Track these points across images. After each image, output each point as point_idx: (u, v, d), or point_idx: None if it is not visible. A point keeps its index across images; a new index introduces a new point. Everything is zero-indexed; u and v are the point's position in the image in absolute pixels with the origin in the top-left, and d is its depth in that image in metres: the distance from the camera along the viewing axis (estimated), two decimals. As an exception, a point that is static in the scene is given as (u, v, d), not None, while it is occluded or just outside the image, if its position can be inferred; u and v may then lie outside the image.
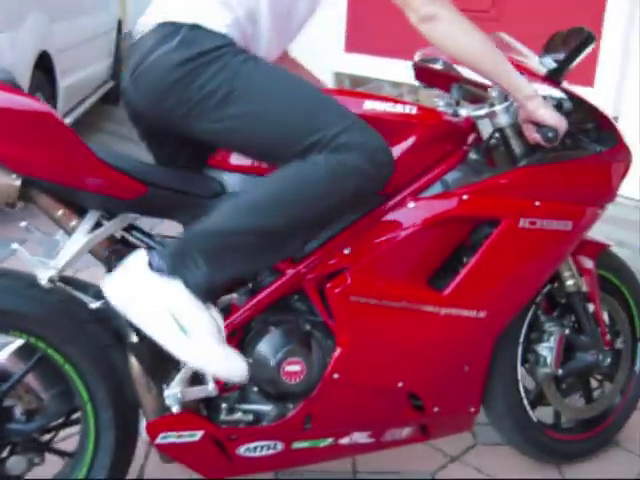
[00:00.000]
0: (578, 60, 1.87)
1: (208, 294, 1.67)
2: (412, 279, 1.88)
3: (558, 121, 1.82)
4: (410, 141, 1.84)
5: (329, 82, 5.91)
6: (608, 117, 2.03)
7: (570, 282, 2.15)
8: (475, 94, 2.08)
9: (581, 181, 1.99)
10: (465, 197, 1.86)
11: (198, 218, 1.76)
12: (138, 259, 1.67)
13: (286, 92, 1.71)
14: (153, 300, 1.62)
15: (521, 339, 2.14)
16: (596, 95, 4.63)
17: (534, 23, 4.73)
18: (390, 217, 1.86)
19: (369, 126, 1.72)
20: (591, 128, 2.05)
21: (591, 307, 2.22)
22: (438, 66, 2.10)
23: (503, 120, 1.95)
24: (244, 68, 1.68)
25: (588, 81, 4.63)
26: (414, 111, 1.84)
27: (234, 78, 1.67)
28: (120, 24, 6.53)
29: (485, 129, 2.06)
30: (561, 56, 1.87)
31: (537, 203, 1.92)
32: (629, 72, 4.59)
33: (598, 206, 2.04)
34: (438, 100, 2.08)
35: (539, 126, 1.84)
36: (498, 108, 1.94)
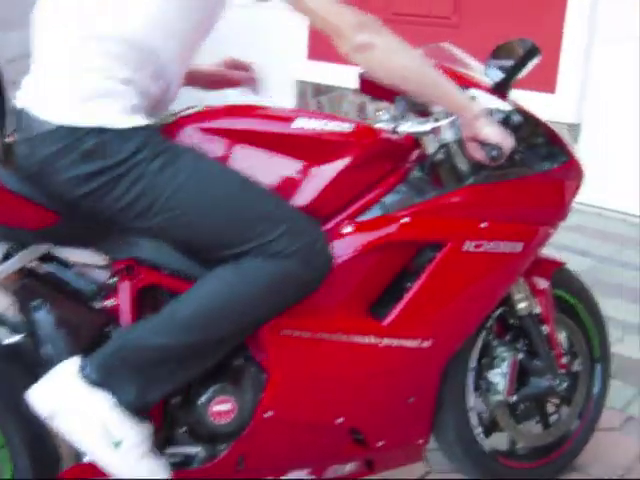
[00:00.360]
0: (524, 72, 1.75)
1: (139, 409, 1.59)
2: (350, 308, 1.74)
3: (503, 138, 1.70)
4: (345, 161, 1.71)
5: (292, 90, 5.78)
6: (557, 133, 1.91)
7: (522, 305, 2.03)
8: (421, 107, 1.95)
9: (531, 200, 1.87)
10: (405, 220, 1.73)
11: (121, 247, 1.62)
12: (69, 366, 1.58)
13: (214, 200, 1.57)
14: (83, 413, 1.56)
15: (472, 365, 2.01)
16: (557, 102, 4.55)
17: (495, 30, 4.62)
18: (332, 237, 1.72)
19: (306, 223, 1.63)
20: (541, 143, 1.92)
21: (546, 329, 2.09)
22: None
23: (448, 136, 1.82)
24: (162, 178, 1.53)
25: (549, 87, 4.54)
26: (348, 129, 1.71)
27: (152, 190, 1.52)
28: None
29: (431, 145, 1.94)
30: (506, 68, 1.75)
31: (483, 224, 1.79)
32: (591, 78, 4.50)
33: (550, 225, 1.92)
34: (382, 114, 1.95)
35: (483, 144, 1.71)
36: (442, 123, 1.81)
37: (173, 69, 1.61)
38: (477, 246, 1.79)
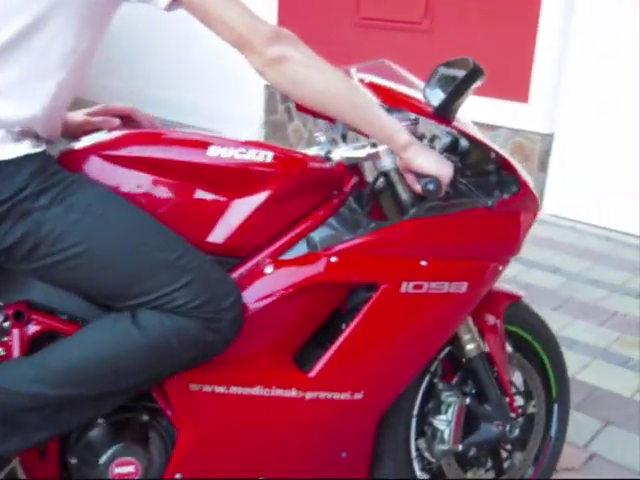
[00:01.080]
0: (467, 94, 1.54)
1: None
2: (271, 358, 1.54)
3: (440, 169, 1.50)
4: (266, 193, 1.51)
5: (260, 96, 5.56)
6: (509, 160, 1.71)
7: (470, 346, 1.83)
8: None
9: (477, 234, 1.67)
10: (334, 259, 1.53)
11: (13, 289, 1.42)
12: None
13: (109, 242, 1.37)
14: None
15: (415, 412, 1.81)
16: (530, 111, 4.36)
17: (468, 36, 4.43)
18: (244, 285, 1.52)
19: (215, 274, 1.43)
20: (490, 172, 1.73)
21: (496, 370, 1.90)
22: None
23: (387, 163, 1.63)
24: (51, 216, 1.33)
25: (522, 97, 4.35)
26: (270, 158, 1.51)
27: (39, 229, 1.32)
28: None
29: (370, 172, 1.75)
30: (447, 90, 1.54)
31: (423, 263, 1.60)
32: (564, 87, 4.32)
33: (499, 261, 1.72)
34: (319, 135, 1.75)
35: (420, 176, 1.51)
36: (380, 149, 1.61)
37: (64, 94, 1.40)
38: (416, 287, 1.59)
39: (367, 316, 1.57)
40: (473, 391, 1.91)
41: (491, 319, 1.88)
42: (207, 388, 1.47)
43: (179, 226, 1.48)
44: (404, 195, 1.64)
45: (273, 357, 1.55)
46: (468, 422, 1.87)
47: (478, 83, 1.53)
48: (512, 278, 3.68)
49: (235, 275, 1.52)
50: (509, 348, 2.02)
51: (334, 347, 1.56)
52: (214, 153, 1.48)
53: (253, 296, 1.51)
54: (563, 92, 4.33)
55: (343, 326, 1.61)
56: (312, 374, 1.55)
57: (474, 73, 1.50)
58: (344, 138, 1.80)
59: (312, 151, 1.68)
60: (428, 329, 1.65)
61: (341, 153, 1.64)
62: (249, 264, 1.53)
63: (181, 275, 1.37)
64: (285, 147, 1.60)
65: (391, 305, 1.58)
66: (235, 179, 1.49)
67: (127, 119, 1.67)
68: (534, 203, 1.76)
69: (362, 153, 1.65)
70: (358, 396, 1.58)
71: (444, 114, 1.58)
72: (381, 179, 1.69)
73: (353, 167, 1.72)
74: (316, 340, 1.61)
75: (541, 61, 4.28)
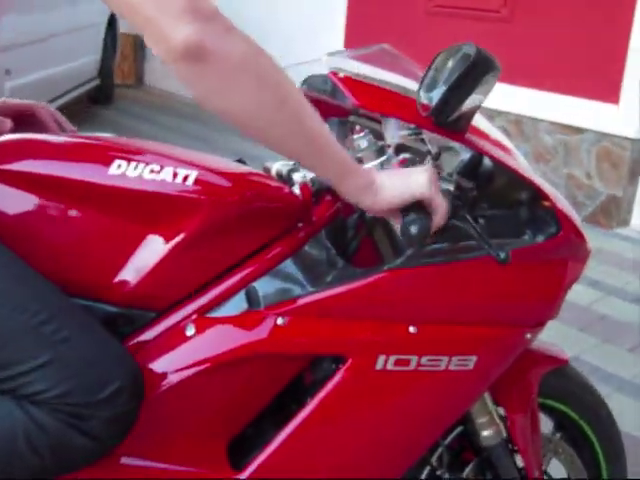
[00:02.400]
0: (480, 94, 1.07)
1: None
2: (201, 444, 1.11)
3: (437, 206, 1.04)
4: (189, 229, 1.07)
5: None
6: (545, 189, 1.22)
7: (487, 432, 1.35)
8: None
9: (494, 291, 1.19)
10: (281, 321, 1.08)
11: None
12: None
13: None
14: None
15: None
16: (621, 114, 3.75)
17: (551, 27, 3.85)
18: (158, 348, 1.09)
19: (93, 354, 1.01)
20: (517, 205, 1.24)
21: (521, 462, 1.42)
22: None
23: None
24: None
25: (611, 98, 3.75)
26: (193, 181, 1.07)
27: None
28: (114, 18, 5.83)
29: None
30: (444, 87, 1.06)
31: (412, 329, 1.13)
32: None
33: (526, 327, 1.24)
34: (359, 138, 1.31)
35: (403, 212, 1.05)
36: (368, 165, 1.17)
37: None
38: (399, 363, 1.13)
39: (325, 402, 1.12)
40: (490, 483, 1.44)
41: (520, 393, 1.40)
42: (139, 462, 1.07)
43: (73, 265, 1.07)
44: (387, 236, 1.19)
45: (203, 443, 1.12)
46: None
47: (490, 79, 1.05)
48: (585, 307, 3.13)
49: (147, 336, 1.10)
50: (546, 429, 1.53)
51: (276, 443, 1.12)
52: (117, 171, 1.06)
53: (169, 365, 1.09)
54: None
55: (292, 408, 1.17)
56: (245, 475, 1.11)
57: (478, 64, 1.02)
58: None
59: (274, 167, 1.24)
60: (416, 421, 1.18)
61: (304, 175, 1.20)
62: (167, 321, 1.10)
63: (42, 348, 0.96)
64: (233, 165, 1.17)
65: (361, 387, 1.13)
66: (146, 207, 1.07)
67: (29, 118, 1.26)
68: (580, 249, 1.26)
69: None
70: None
71: (450, 123, 1.10)
72: (359, 211, 1.25)
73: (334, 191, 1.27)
74: (262, 425, 1.17)
75: (635, 58, 3.68)
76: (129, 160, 1.07)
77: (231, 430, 1.14)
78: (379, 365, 1.12)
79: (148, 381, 1.06)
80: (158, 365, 1.09)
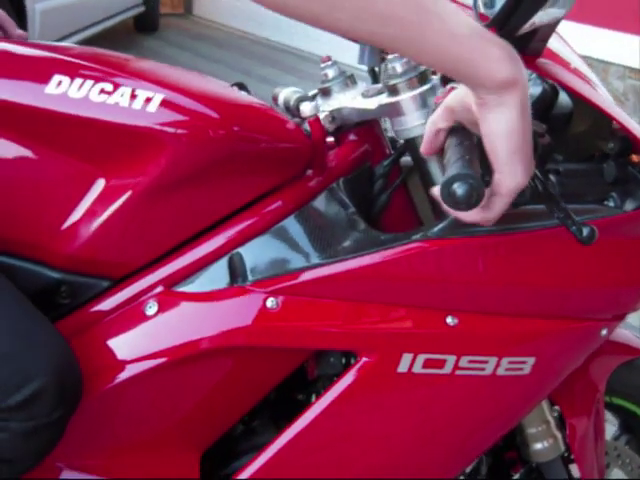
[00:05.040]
0: (555, 11, 0.72)
1: None
2: (160, 459, 0.83)
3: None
4: (155, 176, 0.76)
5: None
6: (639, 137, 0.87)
7: (539, 445, 1.04)
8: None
9: (568, 272, 0.86)
10: (272, 303, 0.78)
11: None
12: None
13: None
14: None
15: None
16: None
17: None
18: (112, 331, 0.80)
19: (10, 336, 0.73)
20: (609, 156, 0.90)
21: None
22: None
23: (413, 124, 0.85)
24: None
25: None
26: (156, 107, 0.75)
27: None
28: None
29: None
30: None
31: (450, 320, 0.82)
32: None
33: (602, 321, 0.91)
34: (326, 66, 1.00)
35: (447, 162, 0.72)
36: (405, 97, 0.84)
37: None
38: (430, 364, 0.81)
39: (332, 411, 0.81)
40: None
41: (584, 391, 1.08)
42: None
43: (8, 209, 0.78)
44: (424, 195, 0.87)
45: (167, 455, 0.83)
46: None
47: None
48: None
49: (95, 312, 0.80)
50: (609, 431, 1.21)
51: (269, 454, 0.82)
52: (56, 90, 0.75)
53: (122, 353, 0.79)
54: None
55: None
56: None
57: None
58: (372, 73, 1.04)
59: (281, 94, 0.92)
60: (449, 440, 0.87)
61: (330, 102, 0.88)
62: (123, 294, 0.80)
63: None
64: (222, 89, 0.85)
65: (377, 393, 0.82)
66: (94, 141, 0.76)
67: None
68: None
69: (372, 104, 0.88)
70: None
71: (518, 41, 0.76)
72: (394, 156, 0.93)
73: (364, 127, 0.95)
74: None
75: None
76: (73, 75, 0.76)
77: (205, 439, 0.84)
78: (403, 366, 0.81)
79: (94, 373, 0.77)
80: (108, 352, 0.79)
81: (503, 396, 0.87)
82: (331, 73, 0.98)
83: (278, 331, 0.78)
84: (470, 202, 0.66)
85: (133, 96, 0.74)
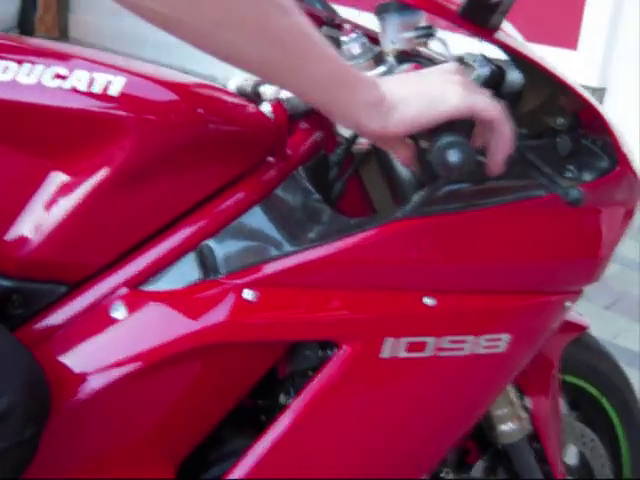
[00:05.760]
0: None
1: None
2: (134, 475, 0.76)
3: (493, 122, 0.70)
4: (115, 167, 0.70)
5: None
6: (598, 110, 0.88)
7: (506, 427, 1.03)
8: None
9: (537, 244, 0.85)
10: (250, 294, 0.73)
11: None
12: None
13: None
14: None
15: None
16: (579, 60, 3.46)
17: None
18: (74, 339, 0.73)
19: None
20: (562, 130, 0.90)
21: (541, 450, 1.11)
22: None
23: None
24: None
25: (569, 42, 3.45)
26: (119, 91, 0.69)
27: None
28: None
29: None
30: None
31: (428, 301, 0.79)
32: (620, 31, 3.41)
33: (569, 294, 0.91)
34: (350, 40, 0.94)
35: (434, 136, 0.70)
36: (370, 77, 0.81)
37: None
38: (412, 347, 0.79)
39: (314, 403, 0.77)
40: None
41: (541, 370, 1.08)
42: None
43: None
44: (399, 173, 0.84)
45: (141, 470, 0.77)
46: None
47: None
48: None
49: (53, 320, 0.73)
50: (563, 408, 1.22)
51: (249, 461, 0.77)
52: (3, 76, 0.68)
53: (87, 362, 0.72)
54: (620, 39, 3.43)
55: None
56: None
57: None
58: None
59: (232, 83, 0.87)
60: (433, 423, 0.85)
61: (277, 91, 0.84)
62: (83, 298, 0.74)
63: None
64: (179, 75, 0.79)
65: (361, 383, 0.78)
66: (46, 130, 0.69)
67: None
68: (634, 191, 0.94)
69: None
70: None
71: (479, 15, 0.75)
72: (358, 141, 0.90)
73: (315, 114, 0.92)
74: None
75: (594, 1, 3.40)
76: (21, 60, 0.69)
77: (181, 449, 0.78)
78: (386, 352, 0.78)
79: (57, 387, 0.70)
80: (72, 363, 0.72)
81: (481, 375, 0.86)
82: None
83: (258, 324, 0.74)
84: (464, 168, 0.64)
85: (91, 81, 0.68)
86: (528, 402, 1.06)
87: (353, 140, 0.94)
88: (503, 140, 0.70)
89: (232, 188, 0.78)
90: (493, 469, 1.11)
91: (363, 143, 0.96)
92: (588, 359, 1.24)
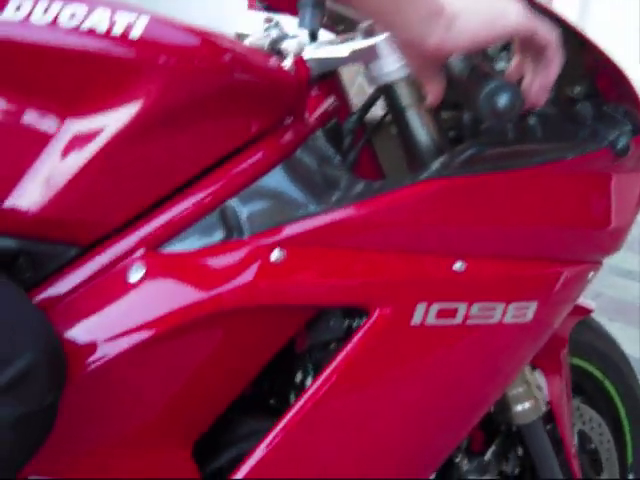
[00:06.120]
0: None
1: None
2: (149, 454, 0.70)
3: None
4: (132, 117, 0.65)
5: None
6: (622, 71, 0.86)
7: (521, 407, 0.99)
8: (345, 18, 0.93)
9: (562, 210, 0.82)
10: (277, 255, 0.68)
11: None
12: None
13: None
14: None
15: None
16: None
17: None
18: (88, 305, 0.67)
19: None
20: (581, 94, 0.88)
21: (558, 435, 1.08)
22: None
23: (391, 67, 0.79)
24: None
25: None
26: (139, 34, 0.64)
27: None
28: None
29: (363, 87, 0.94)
30: None
31: (459, 265, 0.75)
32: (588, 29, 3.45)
33: (593, 263, 0.88)
34: (269, 26, 0.92)
35: (480, 80, 0.67)
36: (380, 41, 0.77)
37: None
38: (443, 314, 0.75)
39: (343, 374, 0.73)
40: (517, 471, 1.09)
41: (553, 350, 1.06)
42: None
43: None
44: (424, 132, 0.80)
45: (158, 448, 0.71)
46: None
47: None
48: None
49: (65, 285, 0.67)
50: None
51: (274, 436, 0.72)
52: (16, 14, 0.62)
53: (101, 330, 0.67)
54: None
55: (306, 381, 0.79)
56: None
57: None
58: (313, 37, 0.96)
59: (250, 39, 0.83)
60: (462, 395, 0.81)
61: (308, 52, 0.80)
62: (97, 260, 0.68)
63: None
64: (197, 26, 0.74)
65: (391, 352, 0.74)
66: (60, 75, 0.64)
67: None
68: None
69: (343, 51, 0.80)
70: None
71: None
72: (377, 100, 0.87)
73: (327, 80, 0.88)
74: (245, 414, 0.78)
75: None
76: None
77: (198, 425, 0.73)
78: (417, 318, 0.74)
79: (70, 356, 0.64)
80: (84, 330, 0.66)
81: (509, 346, 0.82)
82: (275, 33, 0.92)
83: (284, 287, 0.69)
84: (512, 112, 0.61)
85: (112, 22, 0.63)
86: (542, 382, 1.03)
87: (366, 109, 0.90)
88: (553, 69, 0.67)
89: (253, 147, 0.73)
90: (505, 454, 1.08)
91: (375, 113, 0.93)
92: (591, 341, 1.22)
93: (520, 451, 1.08)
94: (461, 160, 0.74)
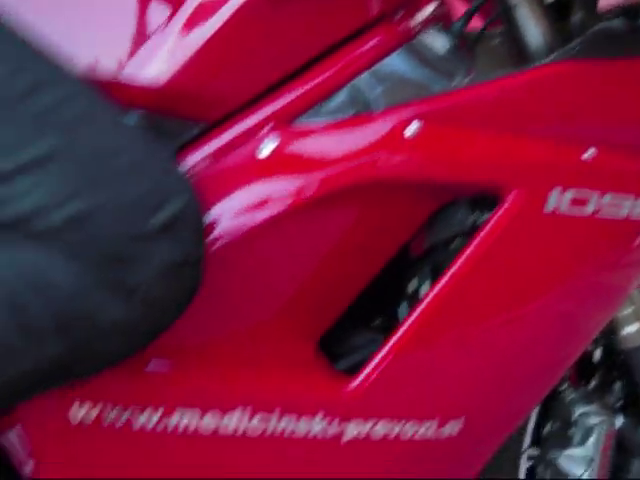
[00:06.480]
0: None
1: None
2: (269, 349, 0.67)
3: None
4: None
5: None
6: None
7: (629, 329, 0.95)
8: None
9: None
10: (413, 129, 0.65)
11: None
12: None
13: None
14: None
15: (525, 448, 0.94)
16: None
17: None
18: (216, 181, 0.64)
19: (138, 152, 0.57)
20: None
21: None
22: None
23: None
24: None
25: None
26: None
27: None
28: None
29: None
30: None
31: (590, 153, 0.72)
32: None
33: None
34: None
35: None
36: None
37: None
38: (576, 202, 0.71)
39: (474, 264, 0.69)
40: (620, 403, 1.04)
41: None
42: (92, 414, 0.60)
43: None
44: (536, 30, 0.77)
45: (272, 346, 0.68)
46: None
47: None
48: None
49: (192, 160, 0.64)
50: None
51: (400, 333, 0.68)
52: None
53: (229, 207, 0.64)
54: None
55: (420, 290, 0.75)
56: (358, 383, 0.67)
57: None
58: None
59: None
60: (589, 296, 0.77)
61: None
62: (226, 135, 0.65)
63: (44, 134, 0.49)
64: None
65: (522, 242, 0.70)
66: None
67: None
68: None
69: None
70: (451, 429, 0.71)
71: None
72: None
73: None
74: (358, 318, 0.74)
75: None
76: None
77: (326, 316, 0.69)
78: (551, 204, 0.70)
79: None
80: (212, 208, 0.63)
81: (635, 245, 0.78)
82: None
83: (419, 162, 0.65)
84: None
85: None
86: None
87: (473, 13, 0.87)
88: None
89: (374, 30, 0.70)
90: (609, 386, 1.03)
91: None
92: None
93: (622, 384, 1.03)
94: (602, 41, 0.71)
